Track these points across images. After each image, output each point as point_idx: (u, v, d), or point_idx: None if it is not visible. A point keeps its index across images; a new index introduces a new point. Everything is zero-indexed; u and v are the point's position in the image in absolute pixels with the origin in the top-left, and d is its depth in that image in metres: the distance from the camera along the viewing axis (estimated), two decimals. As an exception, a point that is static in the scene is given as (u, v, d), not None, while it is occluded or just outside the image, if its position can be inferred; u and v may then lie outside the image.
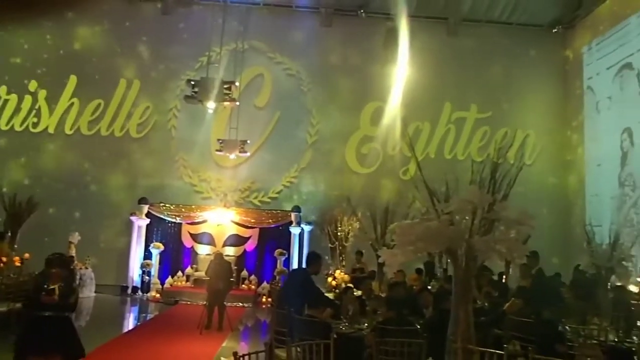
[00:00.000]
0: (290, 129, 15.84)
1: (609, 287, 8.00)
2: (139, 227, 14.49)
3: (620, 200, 13.58)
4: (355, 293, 7.65)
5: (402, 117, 15.03)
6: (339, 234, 13.11)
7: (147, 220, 14.48)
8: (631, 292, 9.15)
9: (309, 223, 14.73)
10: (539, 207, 14.29)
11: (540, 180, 15.44)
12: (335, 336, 4.78)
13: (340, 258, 12.87)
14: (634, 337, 5.70)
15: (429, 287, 8.68)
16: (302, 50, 16.15)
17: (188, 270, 14.44)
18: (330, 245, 13.46)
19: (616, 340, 5.79)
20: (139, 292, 14.07)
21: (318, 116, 15.94)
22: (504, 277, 9.23)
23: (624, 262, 7.81)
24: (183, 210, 14.71)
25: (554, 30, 16.56)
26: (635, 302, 8.59)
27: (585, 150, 15.41)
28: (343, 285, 9.62)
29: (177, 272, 14.42)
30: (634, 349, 5.19)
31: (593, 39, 15.32)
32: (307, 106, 15.99)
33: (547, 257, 9.72)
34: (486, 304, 7.20)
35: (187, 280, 14.27)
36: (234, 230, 14.80)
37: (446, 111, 16.01)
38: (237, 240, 14.81)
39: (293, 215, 14.65)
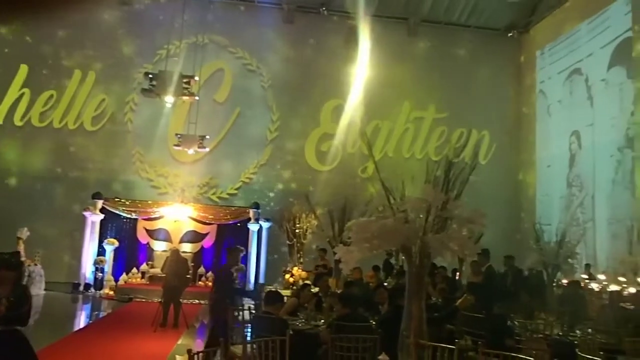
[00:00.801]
0: (250, 125, 15.75)
1: (555, 283, 8.34)
2: (93, 222, 14.09)
3: (568, 200, 14.18)
4: (313, 290, 7.70)
5: (362, 115, 15.18)
6: (297, 231, 13.14)
7: (101, 216, 14.09)
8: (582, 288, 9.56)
9: (267, 220, 14.68)
10: (492, 206, 14.66)
11: (494, 180, 15.87)
12: (291, 332, 4.80)
13: (298, 255, 12.92)
14: (577, 331, 5.96)
15: (385, 284, 8.82)
16: (263, 46, 16.08)
17: (143, 267, 14.16)
18: (288, 242, 13.48)
19: (560, 334, 6.05)
20: (92, 290, 13.69)
21: (278, 112, 15.91)
22: (458, 274, 9.47)
23: (569, 260, 8.15)
24: (139, 205, 14.41)
25: (509, 35, 17.06)
26: (595, 299, 8.97)
27: (536, 152, 15.97)
28: (300, 282, 9.67)
29: (132, 268, 14.12)
30: (576, 342, 5.44)
31: (546, 44, 15.89)
32: (268, 102, 15.95)
33: (501, 255, 10.01)
34: (440, 300, 7.38)
35: (142, 277, 14.00)
36: (192, 226, 14.61)
37: (405, 110, 16.27)
38: (195, 237, 14.62)
39: (251, 212, 14.57)
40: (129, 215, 14.34)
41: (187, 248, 14.26)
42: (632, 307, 7.31)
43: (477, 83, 16.57)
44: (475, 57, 16.78)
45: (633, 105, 12.23)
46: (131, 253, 14.44)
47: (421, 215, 3.83)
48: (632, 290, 8.76)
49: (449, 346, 4.14)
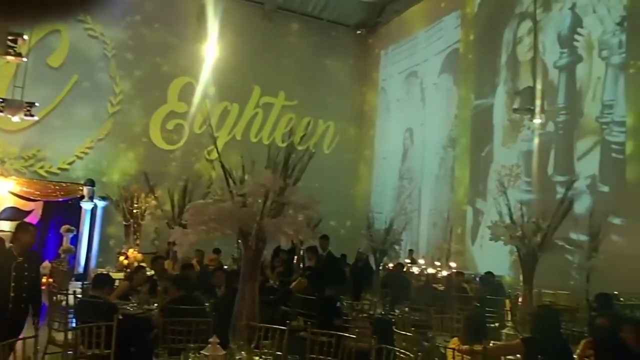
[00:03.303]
0: (88, 96, 14.50)
1: (381, 267, 9.10)
2: None
3: (399, 191, 15.53)
4: (148, 273, 7.43)
5: (211, 96, 14.91)
6: (134, 211, 12.51)
7: None
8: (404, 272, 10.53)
9: (103, 198, 13.74)
10: (332, 194, 15.46)
11: (335, 169, 16.71)
12: (120, 317, 4.61)
13: (135, 236, 12.33)
14: (396, 310, 6.61)
15: (225, 267, 8.86)
16: (108, 12, 14.84)
17: (-52, 246, 12.38)
18: (124, 222, 12.78)
19: (382, 312, 6.65)
20: None
21: (122, 85, 14.89)
22: (296, 257, 9.83)
23: (395, 246, 8.93)
24: (-55, 176, 12.54)
25: (357, 32, 17.98)
26: (415, 281, 9.88)
27: (375, 145, 17.19)
28: (135, 264, 9.27)
29: None
30: (394, 319, 6.04)
31: (390, 45, 17.10)
32: (110, 73, 14.83)
33: (338, 240, 10.58)
34: (277, 283, 7.63)
35: (-55, 259, 12.23)
36: (12, 202, 13.10)
37: (255, 95, 16.32)
38: (15, 214, 13.12)
39: (85, 190, 13.50)
40: None
41: (6, 226, 12.71)
42: (442, 287, 8.28)
43: (326, 75, 17.21)
44: (326, 50, 17.40)
45: (456, 110, 13.75)
46: None
47: (259, 200, 3.91)
48: (444, 273, 9.93)
49: (280, 327, 4.31)
